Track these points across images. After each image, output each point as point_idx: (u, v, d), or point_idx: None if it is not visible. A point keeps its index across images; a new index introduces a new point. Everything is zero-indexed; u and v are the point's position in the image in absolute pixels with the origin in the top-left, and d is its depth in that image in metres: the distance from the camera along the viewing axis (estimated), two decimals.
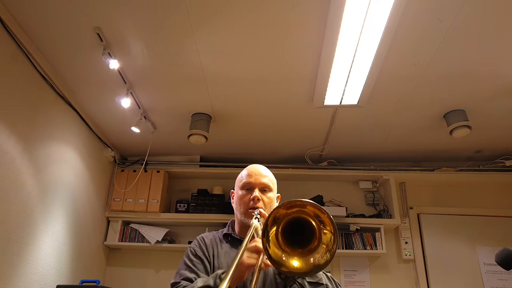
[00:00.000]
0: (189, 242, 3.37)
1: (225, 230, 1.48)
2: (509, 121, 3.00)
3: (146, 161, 3.44)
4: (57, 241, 2.60)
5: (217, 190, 3.61)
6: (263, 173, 1.46)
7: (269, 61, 2.38)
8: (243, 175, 1.49)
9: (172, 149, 3.61)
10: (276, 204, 1.45)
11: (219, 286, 0.90)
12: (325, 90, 2.59)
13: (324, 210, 1.07)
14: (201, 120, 2.94)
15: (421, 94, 2.67)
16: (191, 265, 1.33)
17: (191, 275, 1.28)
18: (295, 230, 1.11)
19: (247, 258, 1.12)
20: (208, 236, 1.47)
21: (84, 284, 2.74)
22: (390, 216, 3.42)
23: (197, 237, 1.47)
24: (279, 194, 1.51)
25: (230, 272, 0.84)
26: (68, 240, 2.75)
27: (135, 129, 2.93)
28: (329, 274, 1.28)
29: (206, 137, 2.95)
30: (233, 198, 1.52)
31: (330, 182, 3.69)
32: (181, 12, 2.00)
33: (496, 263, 1.43)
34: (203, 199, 3.51)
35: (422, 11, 1.98)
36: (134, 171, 3.50)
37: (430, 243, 3.46)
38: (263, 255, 1.13)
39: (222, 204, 3.48)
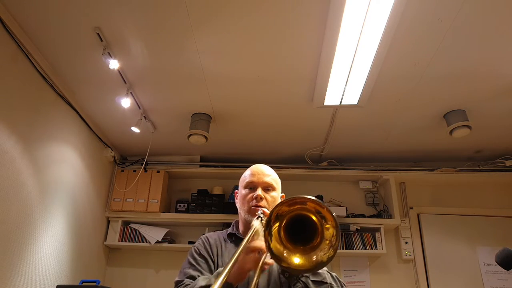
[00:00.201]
0: (189, 242, 3.43)
1: (229, 230, 1.49)
2: (509, 121, 3.00)
3: (146, 161, 3.44)
4: (57, 241, 2.60)
5: (217, 190, 3.61)
6: (266, 172, 1.46)
7: (269, 61, 2.38)
8: (246, 175, 1.48)
9: (172, 149, 3.61)
10: None
11: (212, 285, 0.91)
12: (325, 90, 2.59)
13: (324, 205, 1.08)
14: (201, 120, 2.94)
15: (421, 94, 2.67)
16: (195, 264, 1.34)
17: (195, 274, 1.29)
18: (297, 228, 1.11)
19: (248, 257, 1.13)
20: (212, 235, 1.47)
21: (84, 284, 2.74)
22: (390, 216, 3.42)
23: (201, 237, 1.47)
24: (283, 194, 1.51)
25: (226, 270, 0.84)
26: (68, 240, 2.75)
27: (135, 129, 2.93)
28: (334, 274, 1.28)
29: (206, 137, 2.96)
30: (237, 198, 1.51)
31: (330, 182, 3.69)
32: (181, 12, 2.00)
33: (496, 263, 1.43)
34: (203, 199, 3.52)
35: (422, 11, 1.98)
36: (134, 171, 3.51)
37: (430, 243, 3.46)
38: (265, 255, 1.13)
39: (222, 204, 3.48)
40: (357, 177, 3.66)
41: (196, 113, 2.96)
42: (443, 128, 2.96)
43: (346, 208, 3.41)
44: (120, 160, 3.65)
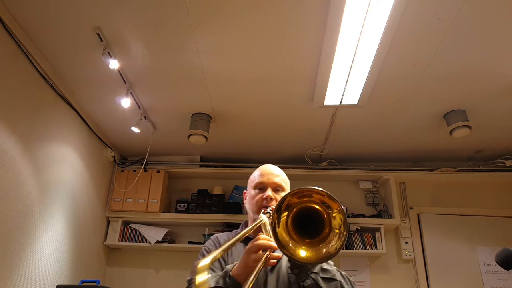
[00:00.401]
0: (189, 242, 3.43)
1: (238, 230, 1.50)
2: (509, 121, 3.00)
3: (146, 161, 3.44)
4: (57, 241, 2.60)
5: (217, 190, 3.61)
6: (276, 173, 1.46)
7: (269, 61, 2.38)
8: (255, 175, 1.48)
9: (172, 149, 3.61)
10: None
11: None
12: (325, 90, 2.59)
13: (327, 192, 1.08)
14: (201, 120, 2.94)
15: (421, 94, 2.67)
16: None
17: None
18: (304, 222, 1.12)
19: (254, 252, 1.14)
20: (222, 236, 1.48)
21: (84, 284, 2.74)
22: (390, 216, 3.42)
23: (211, 237, 1.48)
24: None
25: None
26: (68, 240, 2.75)
27: (135, 129, 2.93)
28: (343, 273, 1.27)
29: (206, 137, 2.96)
30: (245, 199, 1.51)
31: (330, 182, 3.69)
32: (181, 12, 2.00)
33: (496, 263, 1.43)
34: (203, 199, 3.52)
35: (422, 11, 1.98)
36: (134, 171, 3.50)
37: (430, 243, 3.46)
38: (269, 251, 1.14)
39: (222, 204, 3.48)
40: (357, 177, 3.66)
41: (196, 113, 2.96)
42: (443, 128, 2.96)
43: (346, 208, 3.41)
44: (120, 160, 3.65)
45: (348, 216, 3.39)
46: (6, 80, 2.10)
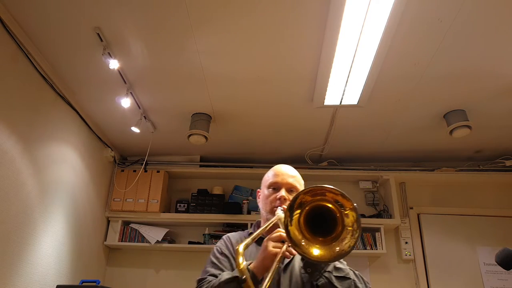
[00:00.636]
0: (189, 242, 3.43)
1: (250, 230, 1.50)
2: (509, 121, 3.00)
3: (146, 161, 3.44)
4: (57, 241, 2.60)
5: (217, 190, 3.61)
6: (290, 173, 1.46)
7: (269, 61, 2.38)
8: (269, 175, 1.48)
9: (172, 149, 3.61)
10: None
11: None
12: (325, 90, 2.59)
13: (340, 190, 1.08)
14: (201, 120, 2.94)
15: (421, 94, 2.67)
16: (217, 263, 1.34)
17: (217, 272, 1.29)
18: (317, 221, 1.12)
19: (271, 247, 1.14)
20: (234, 235, 1.48)
21: (84, 284, 2.74)
22: (390, 216, 3.42)
23: (223, 237, 1.48)
24: None
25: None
26: (68, 240, 2.75)
27: (135, 129, 2.93)
28: (357, 272, 1.27)
29: (206, 137, 2.95)
30: (259, 198, 1.51)
31: (330, 182, 3.62)
32: (181, 12, 2.00)
33: (496, 263, 1.43)
34: (203, 199, 3.51)
35: (422, 11, 1.98)
36: (134, 171, 3.50)
37: (430, 243, 3.46)
38: (287, 244, 1.14)
39: (222, 204, 3.48)
40: (357, 177, 3.66)
41: (196, 113, 2.96)
42: (443, 128, 2.96)
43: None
44: (120, 160, 3.65)
45: None
46: (6, 80, 2.10)
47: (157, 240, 3.33)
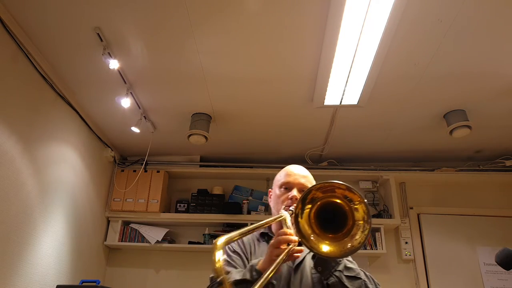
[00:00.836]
0: (189, 242, 3.43)
1: (261, 230, 1.49)
2: (509, 121, 3.00)
3: (146, 161, 3.44)
4: (57, 241, 2.60)
5: (217, 190, 3.61)
6: (302, 174, 1.45)
7: (269, 61, 2.38)
8: (281, 175, 1.48)
9: (172, 149, 3.61)
10: None
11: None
12: (325, 90, 2.59)
13: (346, 184, 1.09)
14: (201, 120, 2.94)
15: (421, 94, 2.67)
16: (229, 260, 1.35)
17: (229, 270, 1.29)
18: (327, 219, 1.13)
19: (277, 246, 1.14)
20: None
21: (84, 284, 2.74)
22: (390, 216, 3.42)
23: None
24: None
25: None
26: (68, 240, 2.75)
27: (135, 129, 2.93)
28: (368, 273, 1.27)
29: (206, 137, 2.95)
30: (270, 197, 1.51)
31: None
32: (181, 12, 2.00)
33: (496, 263, 1.43)
34: (203, 199, 3.51)
35: (422, 11, 1.98)
36: (134, 171, 3.50)
37: (430, 243, 3.46)
38: (293, 244, 1.14)
39: (222, 204, 3.47)
40: (357, 177, 3.66)
41: (196, 113, 2.96)
42: (443, 128, 2.96)
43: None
44: (120, 160, 3.65)
45: None
46: (6, 80, 2.10)
47: (157, 240, 3.33)
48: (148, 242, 3.34)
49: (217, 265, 0.78)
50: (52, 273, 2.54)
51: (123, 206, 3.39)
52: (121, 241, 3.38)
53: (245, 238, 1.44)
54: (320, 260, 1.19)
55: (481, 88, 2.60)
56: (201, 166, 3.67)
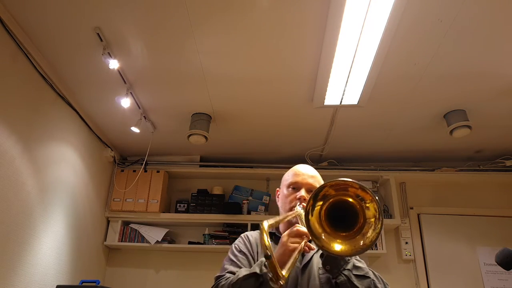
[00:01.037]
0: (189, 242, 3.43)
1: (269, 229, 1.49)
2: (509, 121, 3.00)
3: (146, 161, 3.44)
4: (57, 241, 2.60)
5: (217, 190, 3.61)
6: (311, 174, 1.45)
7: (269, 61, 2.38)
8: (289, 175, 1.47)
9: (172, 149, 3.61)
10: None
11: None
12: (325, 90, 2.59)
13: (358, 183, 1.09)
14: (201, 120, 2.93)
15: (421, 94, 2.67)
16: (235, 260, 1.34)
17: (235, 269, 1.29)
18: (338, 218, 1.12)
19: (290, 242, 1.14)
20: (252, 234, 1.47)
21: (84, 284, 2.74)
22: (390, 216, 3.42)
23: (242, 235, 1.47)
24: None
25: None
26: (68, 240, 2.75)
27: (135, 129, 2.93)
28: (377, 273, 1.27)
29: (206, 137, 2.95)
30: (278, 197, 1.51)
31: None
32: (181, 12, 2.00)
33: (496, 263, 1.43)
34: (203, 199, 3.51)
35: (422, 11, 1.98)
36: (134, 171, 3.50)
37: (430, 243, 3.45)
38: (306, 240, 1.15)
39: (222, 204, 3.47)
40: (357, 177, 3.64)
41: (196, 113, 2.96)
42: (443, 128, 2.96)
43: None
44: (120, 160, 3.65)
45: None
46: (6, 80, 2.09)
47: (157, 240, 3.33)
48: (148, 242, 3.34)
49: (267, 243, 0.98)
50: (52, 273, 2.54)
51: (123, 206, 3.39)
52: (121, 241, 3.38)
53: (251, 238, 1.44)
54: (328, 258, 1.18)
55: (481, 88, 2.60)
56: (201, 166, 3.67)
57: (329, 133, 3.23)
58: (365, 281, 1.19)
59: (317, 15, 2.00)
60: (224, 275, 1.27)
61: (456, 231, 3.47)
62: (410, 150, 3.55)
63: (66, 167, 2.74)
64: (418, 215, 3.58)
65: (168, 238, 3.41)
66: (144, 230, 3.40)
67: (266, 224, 1.04)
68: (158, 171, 3.52)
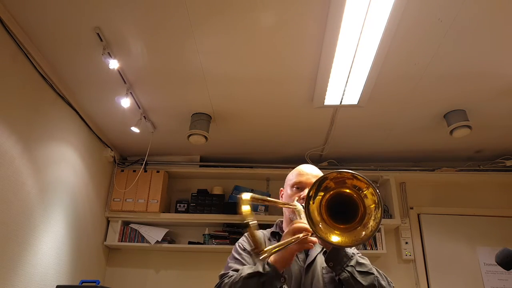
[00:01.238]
0: (189, 242, 3.43)
1: (272, 229, 1.50)
2: (509, 121, 3.00)
3: (146, 161, 3.44)
4: (57, 241, 2.60)
5: (217, 190, 3.61)
6: (314, 173, 1.45)
7: (269, 61, 2.38)
8: (293, 174, 1.48)
9: (172, 149, 3.61)
10: None
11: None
12: (325, 90, 2.59)
13: (352, 172, 1.11)
14: (201, 120, 2.93)
15: (421, 94, 2.67)
16: (239, 258, 1.35)
17: (240, 267, 1.29)
18: (338, 211, 1.14)
19: (292, 234, 1.14)
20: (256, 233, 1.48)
21: (84, 284, 2.74)
22: (390, 216, 3.42)
23: (246, 234, 1.47)
24: None
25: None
26: (68, 240, 2.75)
27: (135, 129, 2.93)
28: (381, 271, 1.27)
29: (206, 137, 2.95)
30: (281, 197, 1.51)
31: None
32: (181, 12, 2.00)
33: (496, 263, 1.43)
34: (203, 199, 3.51)
35: (422, 11, 1.98)
36: (134, 171, 3.50)
37: (430, 243, 3.46)
38: (305, 233, 1.15)
39: (222, 204, 3.47)
40: None
41: (196, 113, 2.96)
42: (443, 128, 2.96)
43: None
44: (120, 160, 3.65)
45: None
46: (6, 80, 2.09)
47: (157, 240, 3.33)
48: (148, 242, 3.34)
49: (247, 211, 0.99)
50: (52, 273, 2.54)
51: (123, 206, 3.39)
52: (121, 241, 3.38)
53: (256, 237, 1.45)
54: (331, 255, 1.19)
55: (481, 88, 2.60)
56: (201, 166, 3.67)
57: (329, 133, 3.23)
58: (368, 278, 1.18)
59: (317, 15, 2.00)
60: (228, 273, 1.28)
61: (456, 231, 3.47)
62: (410, 150, 3.55)
63: (66, 167, 2.74)
64: (418, 215, 3.58)
65: (168, 238, 3.42)
66: (144, 230, 3.40)
67: (246, 195, 1.04)
68: (158, 171, 3.52)
